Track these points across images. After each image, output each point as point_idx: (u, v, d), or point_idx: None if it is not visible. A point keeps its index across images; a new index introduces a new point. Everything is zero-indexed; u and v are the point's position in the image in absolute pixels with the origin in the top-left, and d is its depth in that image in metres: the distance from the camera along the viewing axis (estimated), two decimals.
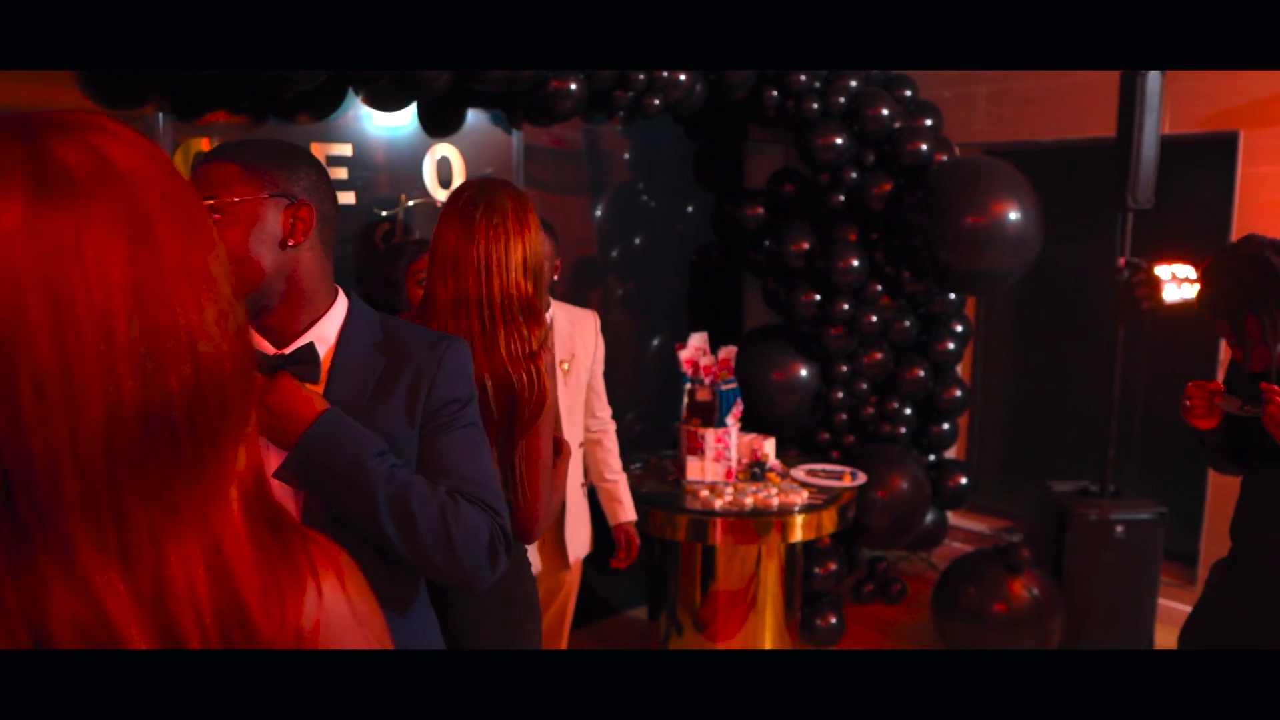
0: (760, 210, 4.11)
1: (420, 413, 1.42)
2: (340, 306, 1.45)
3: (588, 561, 2.85)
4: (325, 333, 1.42)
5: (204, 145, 2.72)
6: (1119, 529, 3.53)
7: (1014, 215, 3.49)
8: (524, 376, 1.78)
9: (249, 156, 1.36)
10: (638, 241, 4.11)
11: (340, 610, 0.69)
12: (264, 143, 1.41)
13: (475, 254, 1.78)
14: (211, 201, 1.31)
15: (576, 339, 2.69)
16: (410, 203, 3.24)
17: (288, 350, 1.39)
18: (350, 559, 0.73)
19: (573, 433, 2.69)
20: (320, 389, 1.39)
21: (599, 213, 3.95)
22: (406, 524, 1.32)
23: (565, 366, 2.66)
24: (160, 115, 2.63)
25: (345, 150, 3.07)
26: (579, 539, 2.74)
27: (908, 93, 3.90)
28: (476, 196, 1.82)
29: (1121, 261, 3.46)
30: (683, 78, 3.36)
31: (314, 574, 0.68)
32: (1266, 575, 2.16)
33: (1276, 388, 1.99)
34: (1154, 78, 3.27)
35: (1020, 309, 4.68)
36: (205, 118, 2.76)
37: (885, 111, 3.70)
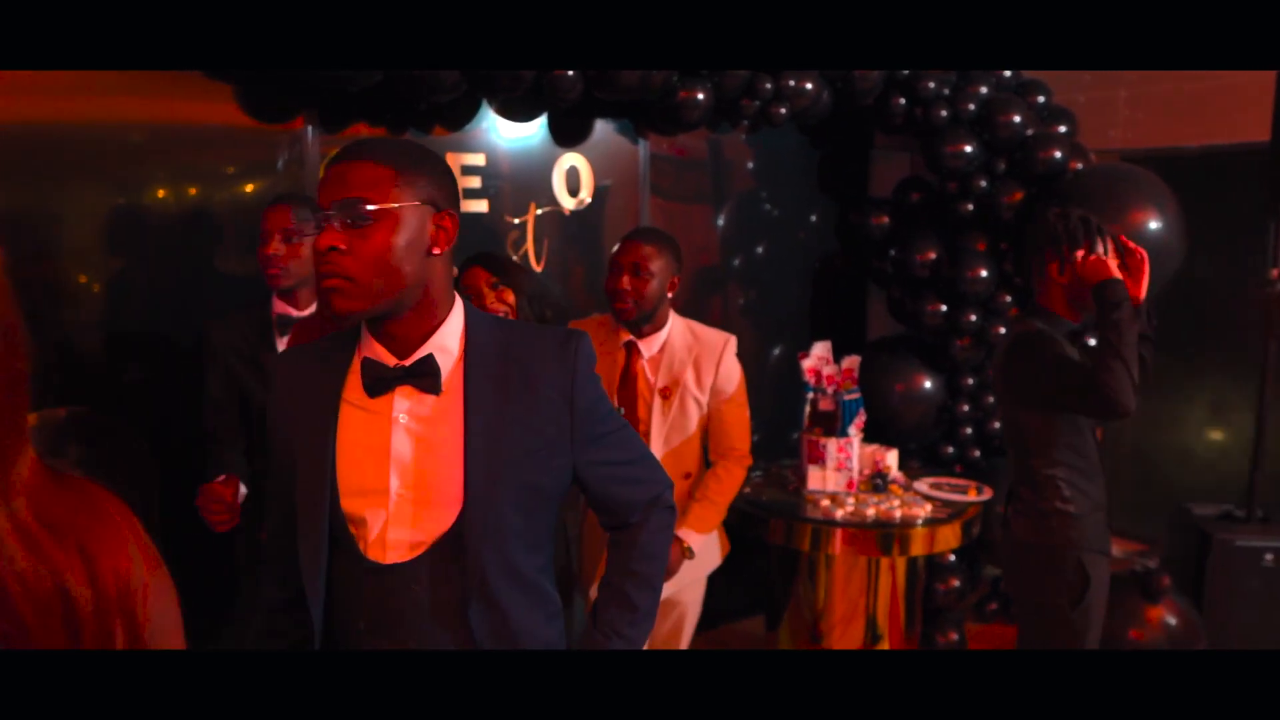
0: (885, 219, 4.06)
1: (567, 426, 1.42)
2: (458, 314, 1.41)
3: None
4: (446, 342, 1.38)
5: None
6: (1268, 557, 3.34)
7: (1154, 224, 3.36)
8: None
9: (401, 160, 1.31)
10: (760, 250, 4.11)
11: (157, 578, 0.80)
12: (407, 145, 1.36)
13: None
14: (370, 208, 1.26)
15: (690, 366, 2.56)
16: (539, 211, 3.32)
17: (408, 361, 1.36)
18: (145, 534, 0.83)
19: (670, 461, 2.56)
20: (459, 403, 1.37)
21: (721, 221, 3.96)
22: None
23: (665, 394, 2.56)
24: (309, 128, 2.77)
25: (478, 160, 3.17)
26: (700, 559, 2.64)
27: (1041, 98, 3.79)
28: None
29: (1275, 273, 3.29)
30: (809, 86, 3.35)
31: (128, 545, 0.78)
32: None
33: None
34: None
35: (1159, 321, 4.48)
36: (348, 129, 2.89)
37: (1017, 118, 3.60)
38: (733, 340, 2.62)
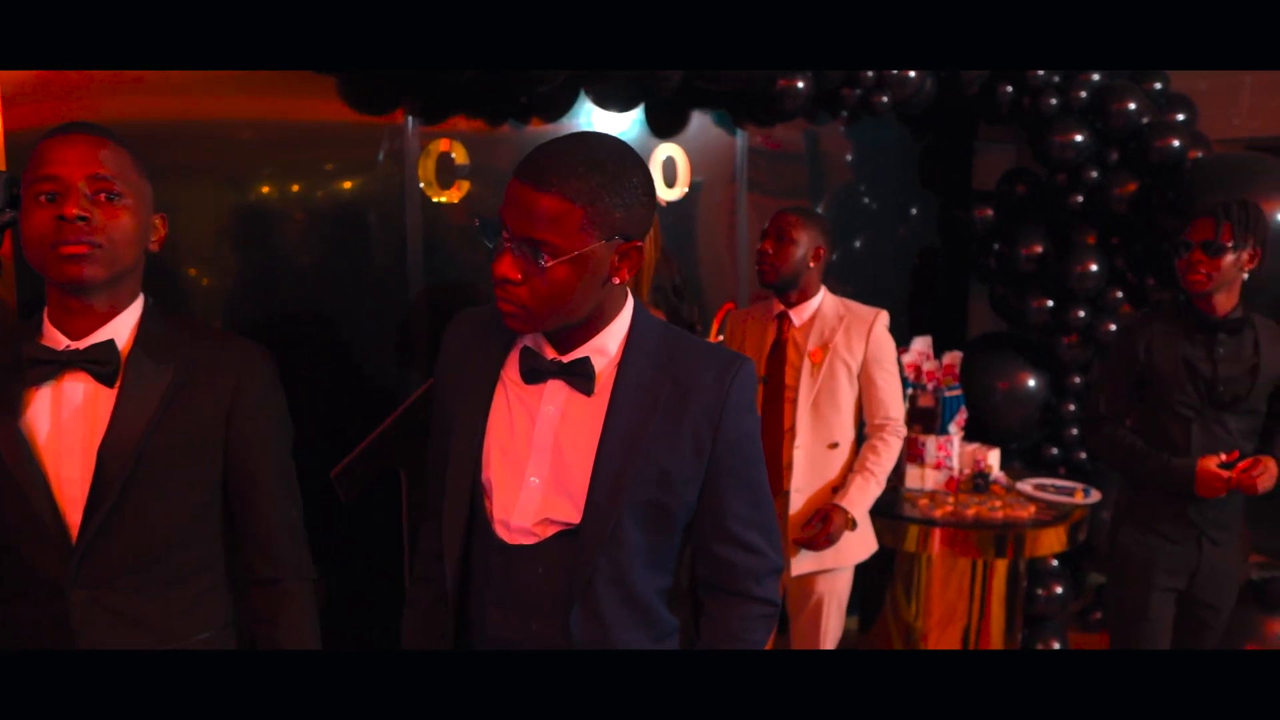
0: (989, 212, 3.94)
1: (708, 454, 1.37)
2: (625, 317, 1.38)
3: None
4: (606, 344, 1.36)
5: (444, 146, 2.88)
6: None
7: None
8: None
9: (594, 193, 1.23)
10: (858, 244, 4.03)
11: None
12: (605, 166, 1.24)
13: None
14: (552, 262, 1.23)
15: (841, 331, 2.64)
16: None
17: (566, 358, 1.36)
18: None
19: (816, 427, 2.64)
20: (603, 408, 1.35)
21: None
22: None
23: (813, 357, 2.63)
24: (410, 119, 2.81)
25: None
26: (844, 544, 2.64)
27: (1158, 85, 3.63)
28: None
29: None
30: (913, 74, 3.27)
31: None
32: None
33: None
34: None
35: None
36: (448, 121, 2.92)
37: (1132, 106, 3.46)
38: (884, 313, 2.71)
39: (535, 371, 1.37)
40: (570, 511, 1.36)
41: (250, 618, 1.56)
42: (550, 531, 1.37)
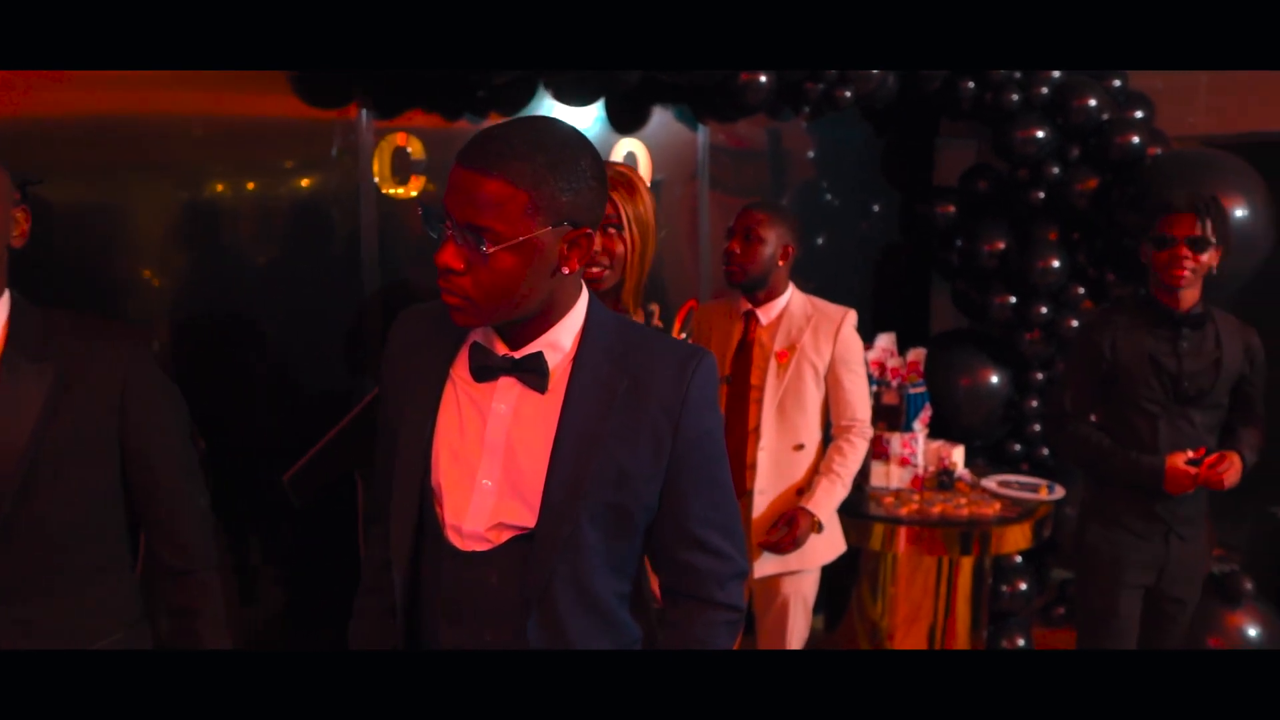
0: (951, 209, 3.94)
1: (668, 452, 1.31)
2: (579, 310, 1.32)
3: None
4: (560, 339, 1.30)
5: (400, 140, 2.82)
6: None
7: (1240, 212, 3.20)
8: None
9: (539, 177, 1.16)
10: (820, 241, 4.01)
11: None
12: (553, 149, 1.18)
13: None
14: (494, 249, 1.17)
15: (808, 331, 2.60)
16: None
17: (518, 354, 1.30)
18: None
19: (782, 427, 2.60)
20: (558, 405, 1.29)
21: None
22: None
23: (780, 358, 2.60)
24: (364, 113, 2.74)
25: None
26: (810, 546, 2.59)
27: (1117, 83, 3.64)
28: None
29: None
30: (876, 70, 3.26)
31: None
32: None
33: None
34: None
35: (1242, 315, 4.28)
36: (403, 115, 2.86)
37: (1092, 102, 3.46)
38: (853, 313, 2.67)
39: (485, 369, 1.31)
40: (525, 515, 1.29)
41: (164, 610, 1.51)
42: (504, 536, 1.31)
